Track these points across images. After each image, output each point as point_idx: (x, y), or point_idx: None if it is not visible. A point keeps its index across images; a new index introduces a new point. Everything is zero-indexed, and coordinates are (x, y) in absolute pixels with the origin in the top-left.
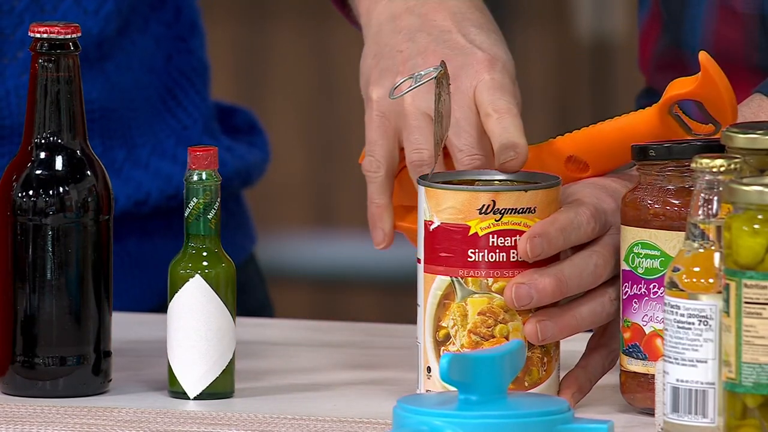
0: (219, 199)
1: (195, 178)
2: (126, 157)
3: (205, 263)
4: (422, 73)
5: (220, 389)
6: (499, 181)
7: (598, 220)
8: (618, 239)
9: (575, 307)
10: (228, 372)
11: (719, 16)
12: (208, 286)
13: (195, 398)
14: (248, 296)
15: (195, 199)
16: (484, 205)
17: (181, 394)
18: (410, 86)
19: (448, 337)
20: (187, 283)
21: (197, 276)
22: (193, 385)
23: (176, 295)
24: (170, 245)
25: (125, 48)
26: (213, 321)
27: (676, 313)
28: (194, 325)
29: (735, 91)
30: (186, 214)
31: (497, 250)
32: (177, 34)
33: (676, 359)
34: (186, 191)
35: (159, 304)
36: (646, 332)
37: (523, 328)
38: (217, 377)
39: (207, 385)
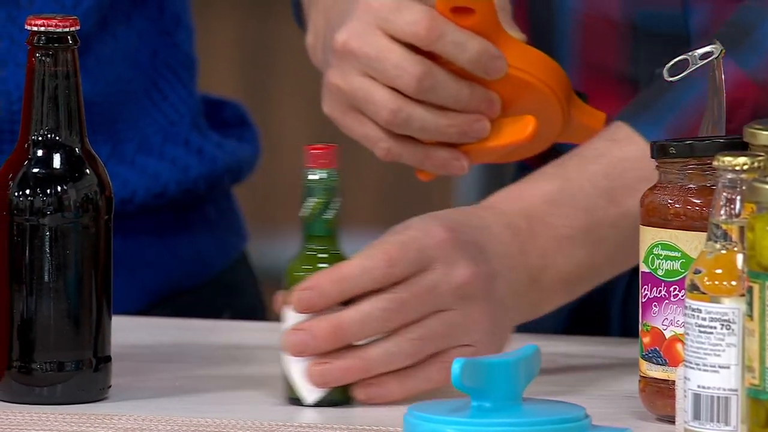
0: (338, 199)
1: (314, 177)
2: (111, 153)
3: (322, 265)
4: (698, 53)
5: (337, 396)
6: None
7: (403, 261)
8: (440, 275)
9: (365, 348)
10: None
11: (587, 26)
12: None
13: (312, 405)
14: (239, 297)
15: (313, 199)
16: None
17: (296, 401)
18: (689, 67)
19: None
20: None
21: None
22: (310, 392)
23: None
24: (156, 245)
25: (106, 42)
26: None
27: (698, 316)
28: None
29: (605, 104)
30: (304, 215)
31: None
32: (162, 29)
33: (698, 365)
34: (304, 191)
35: (145, 306)
36: (667, 337)
37: (309, 369)
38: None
39: (325, 392)
